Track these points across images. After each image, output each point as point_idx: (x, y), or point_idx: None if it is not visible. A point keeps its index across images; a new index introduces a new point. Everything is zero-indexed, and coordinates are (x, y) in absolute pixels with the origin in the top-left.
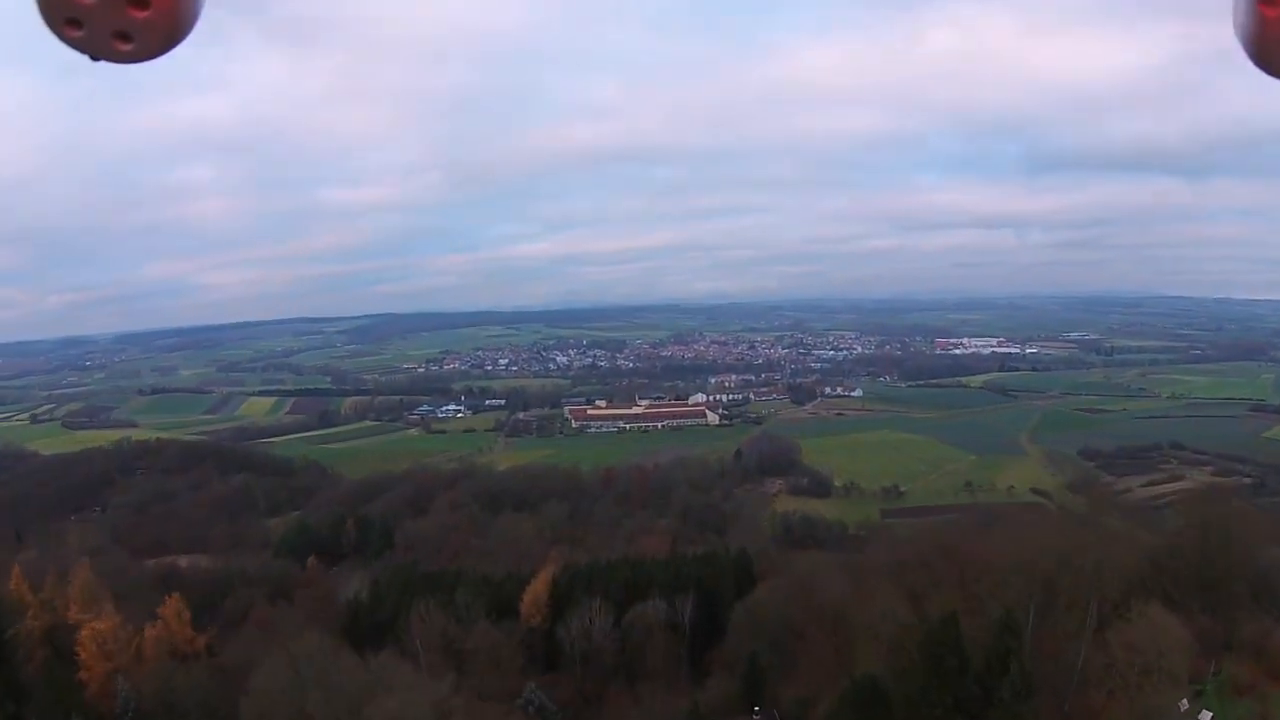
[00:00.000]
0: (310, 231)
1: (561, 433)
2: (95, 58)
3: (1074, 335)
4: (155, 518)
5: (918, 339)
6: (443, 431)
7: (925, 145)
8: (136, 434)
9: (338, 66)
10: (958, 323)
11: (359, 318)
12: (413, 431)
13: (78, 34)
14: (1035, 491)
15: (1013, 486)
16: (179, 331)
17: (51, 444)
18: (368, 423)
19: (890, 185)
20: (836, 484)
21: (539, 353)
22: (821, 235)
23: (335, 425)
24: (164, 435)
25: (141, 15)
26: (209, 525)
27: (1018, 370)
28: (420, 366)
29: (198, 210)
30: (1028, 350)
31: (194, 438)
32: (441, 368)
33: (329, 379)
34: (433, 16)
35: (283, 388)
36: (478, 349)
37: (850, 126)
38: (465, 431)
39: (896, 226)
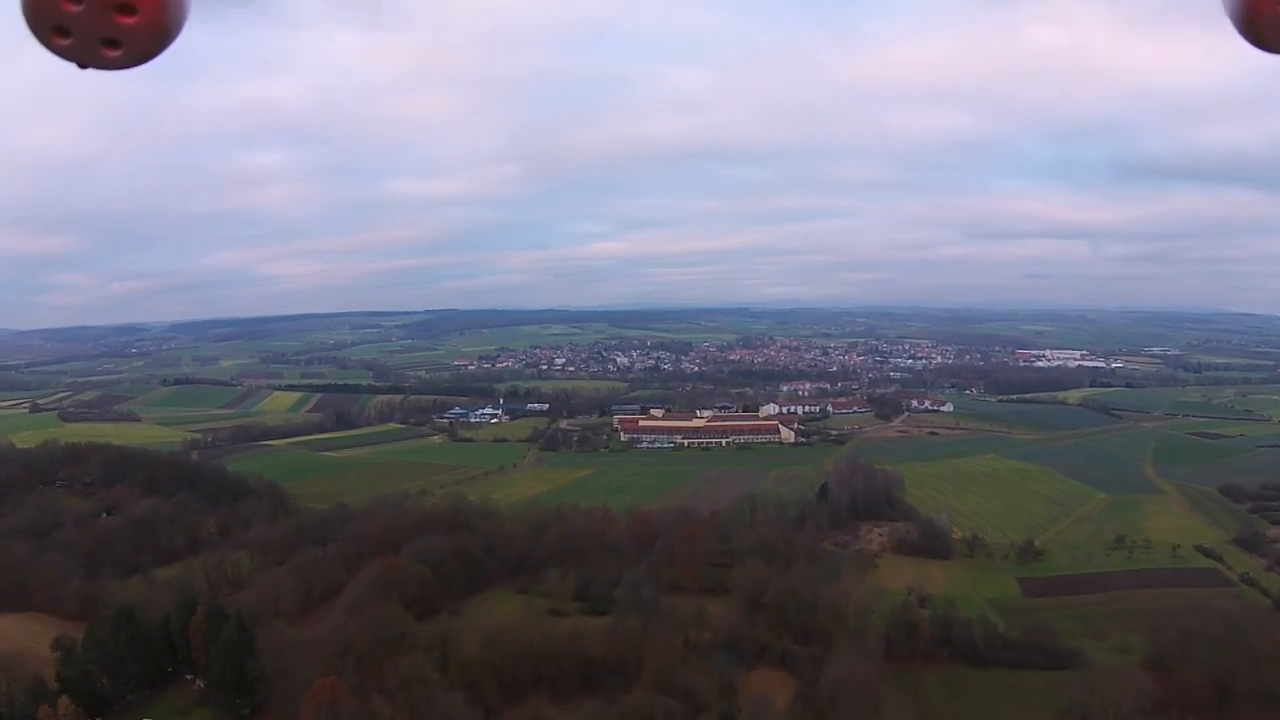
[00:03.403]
0: (380, 223)
1: (606, 447)
2: (83, 65)
3: (1156, 350)
4: (21, 556)
5: (996, 349)
6: (469, 440)
7: (1011, 148)
8: (139, 428)
9: (414, 49)
10: (1031, 334)
11: (421, 313)
12: (436, 439)
13: (65, 42)
14: (1201, 551)
15: (1178, 546)
16: (234, 322)
17: (36, 436)
18: (390, 426)
19: (970, 189)
20: (955, 534)
21: (599, 353)
22: (897, 241)
23: (353, 427)
24: (165, 430)
25: (129, 21)
26: (72, 575)
27: (1110, 386)
28: (472, 364)
29: (263, 198)
30: (1114, 365)
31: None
32: (494, 365)
33: (370, 373)
34: None
35: (316, 382)
36: (535, 347)
37: (940, 126)
38: (495, 441)
39: (970, 234)
